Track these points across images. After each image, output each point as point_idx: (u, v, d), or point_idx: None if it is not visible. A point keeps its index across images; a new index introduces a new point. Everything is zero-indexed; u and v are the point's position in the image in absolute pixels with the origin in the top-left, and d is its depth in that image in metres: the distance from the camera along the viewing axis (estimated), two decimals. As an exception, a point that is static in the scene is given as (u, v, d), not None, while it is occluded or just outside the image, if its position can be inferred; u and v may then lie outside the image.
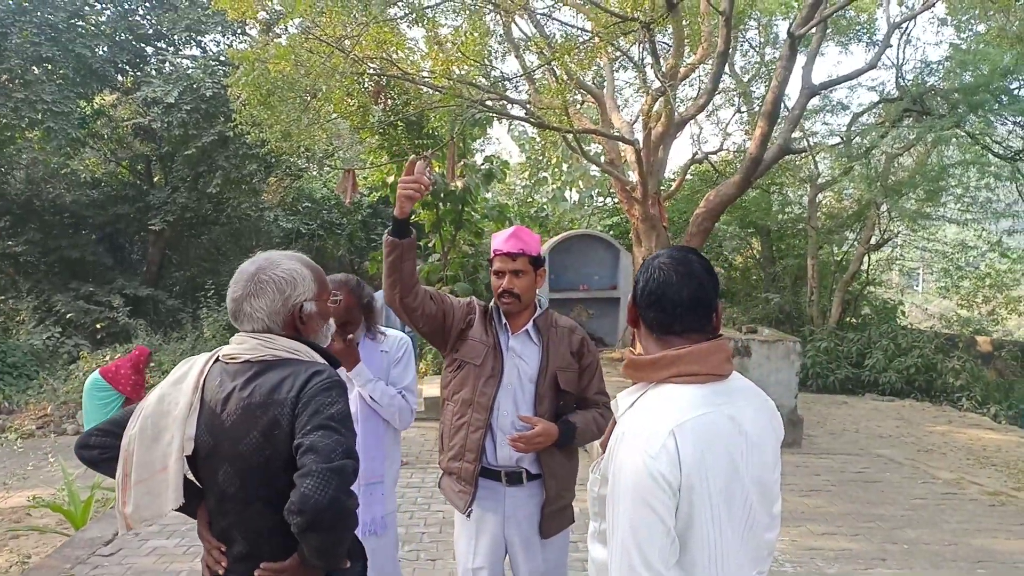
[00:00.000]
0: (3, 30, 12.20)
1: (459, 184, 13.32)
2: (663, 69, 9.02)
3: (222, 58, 13.98)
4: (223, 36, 15.43)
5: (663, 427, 1.49)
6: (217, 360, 1.85)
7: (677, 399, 1.54)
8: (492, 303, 2.71)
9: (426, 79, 8.75)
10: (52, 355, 12.07)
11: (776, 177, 15.84)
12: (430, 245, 16.15)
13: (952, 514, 5.83)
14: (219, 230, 17.11)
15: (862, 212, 15.07)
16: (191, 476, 1.83)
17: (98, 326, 13.18)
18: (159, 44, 15.35)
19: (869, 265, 15.88)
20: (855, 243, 15.61)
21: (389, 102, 9.71)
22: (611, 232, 16.84)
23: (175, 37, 14.75)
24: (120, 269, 15.52)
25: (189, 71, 13.53)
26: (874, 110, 14.45)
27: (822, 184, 15.58)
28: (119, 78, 14.64)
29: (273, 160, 14.18)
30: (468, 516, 2.61)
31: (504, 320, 2.66)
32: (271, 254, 1.89)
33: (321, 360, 1.81)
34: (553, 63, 8.40)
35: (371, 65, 8.68)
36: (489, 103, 9.18)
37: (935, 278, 19.31)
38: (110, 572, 4.42)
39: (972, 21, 13.22)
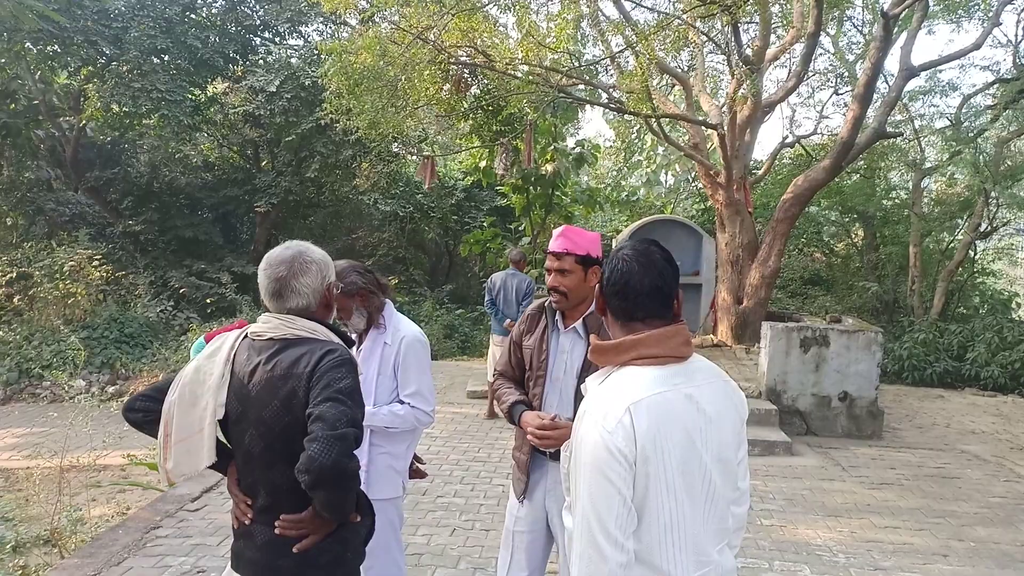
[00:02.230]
0: (123, 24, 13.20)
1: (549, 168, 13.44)
2: (749, 52, 8.84)
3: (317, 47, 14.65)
4: (324, 26, 16.09)
5: (620, 404, 1.60)
6: (246, 337, 2.12)
7: (636, 379, 1.66)
8: (548, 301, 2.88)
9: (508, 68, 8.89)
10: (165, 327, 13.02)
11: (877, 161, 15.21)
12: (520, 229, 16.39)
13: (1031, 516, 5.61)
14: (322, 212, 17.93)
15: (971, 199, 14.28)
16: (222, 438, 2.11)
17: (208, 301, 14.12)
18: (265, 34, 16.16)
19: (976, 255, 15.05)
20: (962, 231, 14.80)
21: (472, 90, 9.92)
22: (704, 217, 16.61)
23: (280, 28, 15.49)
24: (229, 248, 16.53)
25: (292, 60, 14.21)
26: (987, 91, 13.65)
27: (927, 169, 14.87)
28: (229, 67, 15.52)
29: (370, 146, 14.74)
30: (521, 502, 2.81)
31: (557, 316, 2.81)
32: (298, 243, 2.16)
33: (336, 340, 2.06)
34: (637, 47, 8.37)
35: (455, 54, 8.91)
36: (571, 89, 9.25)
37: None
38: (193, 526, 4.88)
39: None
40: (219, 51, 14.74)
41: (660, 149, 20.76)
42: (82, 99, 14.52)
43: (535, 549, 2.81)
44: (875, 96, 10.03)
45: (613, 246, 10.88)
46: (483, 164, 14.40)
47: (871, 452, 7.19)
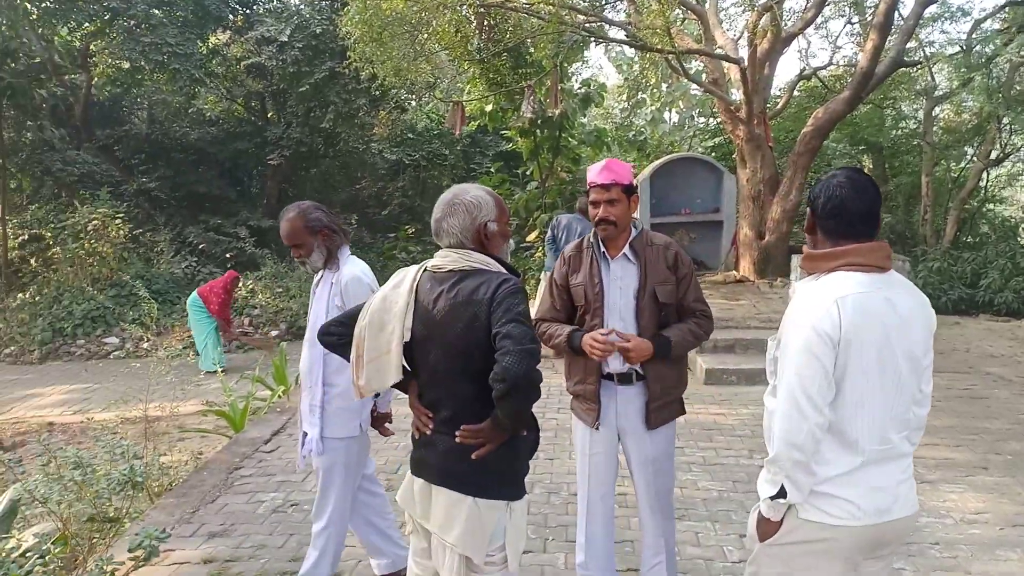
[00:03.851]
0: (127, -24, 12.99)
1: (556, 110, 13.39)
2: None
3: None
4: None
5: (829, 298, 1.93)
6: (426, 270, 2.33)
7: (844, 281, 1.96)
8: (591, 235, 3.04)
9: (527, 6, 8.85)
10: (190, 282, 13.18)
11: (889, 91, 15.14)
12: (528, 173, 16.37)
13: (1060, 429, 5.87)
14: (329, 162, 17.89)
15: (982, 126, 14.28)
16: (404, 362, 2.32)
17: (228, 255, 14.25)
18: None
19: (988, 182, 15.13)
20: (973, 159, 14.85)
21: (492, 33, 9.86)
22: (712, 154, 16.58)
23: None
24: (243, 202, 16.58)
25: (301, 8, 14.01)
26: (999, 15, 13.49)
27: (939, 97, 14.83)
28: (231, 17, 15.30)
29: (379, 94, 14.64)
30: (596, 429, 3.00)
31: (603, 248, 2.98)
32: (463, 185, 2.36)
33: (505, 271, 2.26)
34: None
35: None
36: (589, 27, 9.21)
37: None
38: (272, 465, 5.13)
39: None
40: (224, 0, 14.53)
41: (664, 87, 20.60)
42: (89, 57, 14.37)
43: (610, 467, 3.07)
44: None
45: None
46: (489, 108, 14.31)
47: (900, 376, 7.42)
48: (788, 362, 1.97)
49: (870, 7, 14.39)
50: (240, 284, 11.57)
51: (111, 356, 11.21)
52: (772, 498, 2.02)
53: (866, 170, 17.62)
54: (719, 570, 3.68)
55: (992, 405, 6.53)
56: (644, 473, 3.01)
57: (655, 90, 21.12)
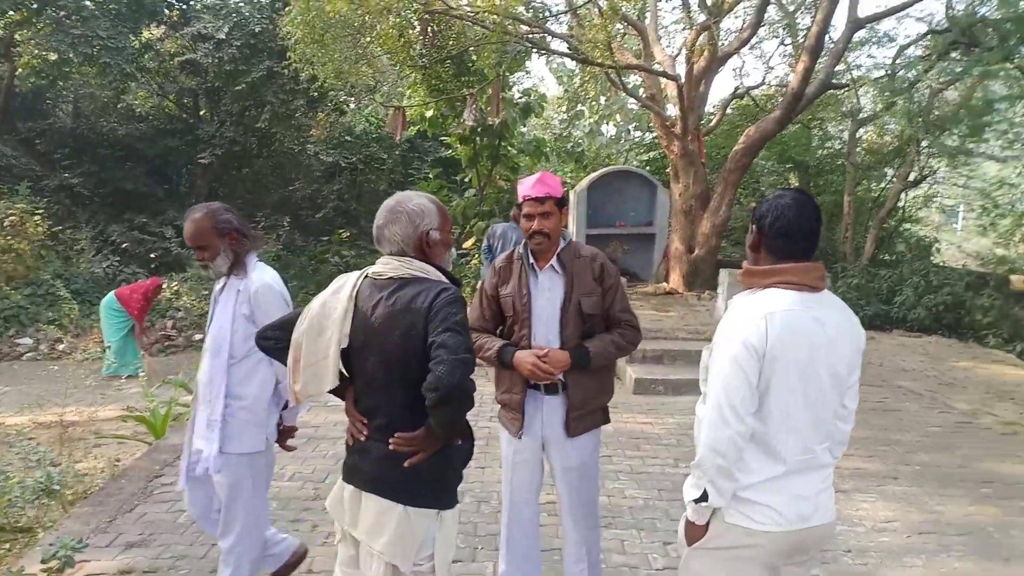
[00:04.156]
0: (56, -35, 12.53)
1: (497, 119, 13.45)
2: (708, 2, 9.05)
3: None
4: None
5: (759, 312, 2.04)
6: (366, 277, 2.35)
7: (776, 297, 2.07)
8: (520, 247, 3.11)
9: (471, 14, 8.88)
10: (111, 283, 12.70)
11: (817, 112, 15.71)
12: (467, 180, 16.39)
13: (965, 441, 6.18)
14: (262, 163, 17.54)
15: (902, 148, 14.95)
16: (341, 367, 2.30)
17: (152, 256, 13.82)
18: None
19: (906, 203, 15.84)
20: (893, 180, 15.53)
21: (435, 39, 9.86)
22: (647, 168, 16.90)
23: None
24: (170, 201, 16.10)
25: (240, 5, 13.72)
26: (921, 42, 14.15)
27: (863, 119, 15.44)
28: (166, 12, 14.89)
29: (317, 95, 14.43)
30: (519, 438, 3.05)
31: (532, 260, 3.05)
32: (407, 192, 2.40)
33: (445, 280, 2.29)
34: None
35: (419, 2, 8.83)
36: (533, 38, 9.30)
37: (975, 216, 19.15)
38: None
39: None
40: (159, -8, 14.13)
41: (602, 99, 20.91)
42: (13, 46, 13.77)
43: (534, 476, 3.13)
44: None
45: (570, 196, 11.10)
46: (429, 114, 14.29)
47: (820, 388, 7.70)
48: (716, 372, 2.08)
49: (802, 30, 14.92)
50: (163, 290, 11.21)
51: (24, 358, 10.73)
52: (696, 501, 2.11)
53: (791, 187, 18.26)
54: (643, 577, 3.77)
55: (904, 418, 6.83)
56: (567, 481, 3.07)
57: (594, 103, 21.45)
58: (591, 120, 22.02)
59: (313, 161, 17.70)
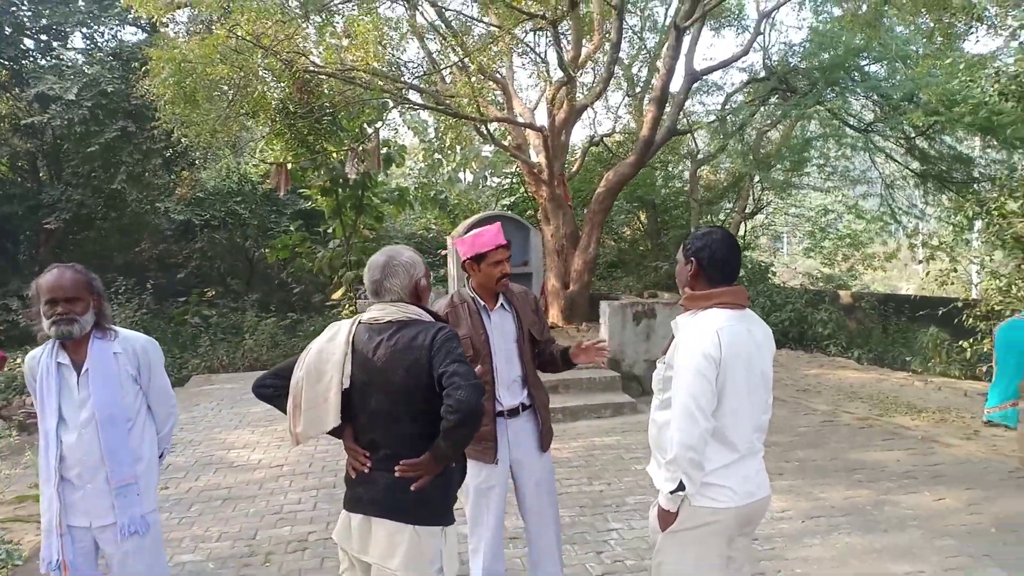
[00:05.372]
0: None
1: (379, 171, 13.60)
2: (566, 60, 9.79)
3: (117, 51, 13.62)
4: (111, 29, 14.95)
5: (712, 328, 2.45)
6: (359, 323, 2.54)
7: (718, 316, 2.49)
8: (469, 294, 3.40)
9: (348, 74, 9.12)
10: (-49, 361, 11.67)
11: (660, 155, 17.02)
12: (330, 231, 16.32)
13: (831, 437, 6.99)
14: (108, 225, 16.62)
15: (736, 183, 16.51)
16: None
17: (-2, 329, 12.81)
18: (43, 37, 14.76)
19: (746, 232, 17.38)
20: (733, 212, 17.04)
21: (309, 97, 9.98)
22: (510, 211, 17.58)
23: (65, 30, 14.23)
24: (12, 270, 14.98)
25: (84, 67, 13.15)
26: (744, 89, 15.77)
27: (701, 159, 16.92)
28: (-5, 72, 14.05)
29: (172, 154, 14.00)
30: (495, 463, 3.30)
31: (483, 302, 3.37)
32: (395, 248, 2.63)
33: (438, 322, 2.55)
34: (466, 59, 8.99)
35: (286, 60, 8.96)
36: (402, 93, 9.66)
37: (799, 240, 21.27)
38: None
39: (828, 4, 14.49)
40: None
41: (458, 148, 21.53)
42: None
43: (503, 499, 3.39)
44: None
45: (448, 242, 11.44)
46: (289, 167, 14.19)
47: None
48: (681, 381, 2.44)
49: (640, 82, 16.22)
50: (8, 366, 10.41)
51: None
52: (672, 492, 2.46)
53: (642, 223, 19.57)
54: (587, 584, 4.09)
55: (775, 422, 7.45)
56: (539, 493, 3.37)
57: (449, 151, 22.03)
58: (449, 168, 22.58)
59: (163, 220, 17.00)
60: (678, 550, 2.55)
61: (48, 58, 14.24)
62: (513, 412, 3.33)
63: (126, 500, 2.87)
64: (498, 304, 3.38)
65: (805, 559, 4.34)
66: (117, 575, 2.92)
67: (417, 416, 2.40)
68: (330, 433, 2.54)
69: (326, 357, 2.50)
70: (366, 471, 2.50)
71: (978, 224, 11.48)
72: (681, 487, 2.45)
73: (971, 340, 8.89)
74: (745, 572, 2.71)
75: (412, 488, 2.41)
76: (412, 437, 2.43)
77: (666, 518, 2.55)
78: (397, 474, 2.42)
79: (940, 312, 10.66)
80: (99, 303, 2.92)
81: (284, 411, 2.55)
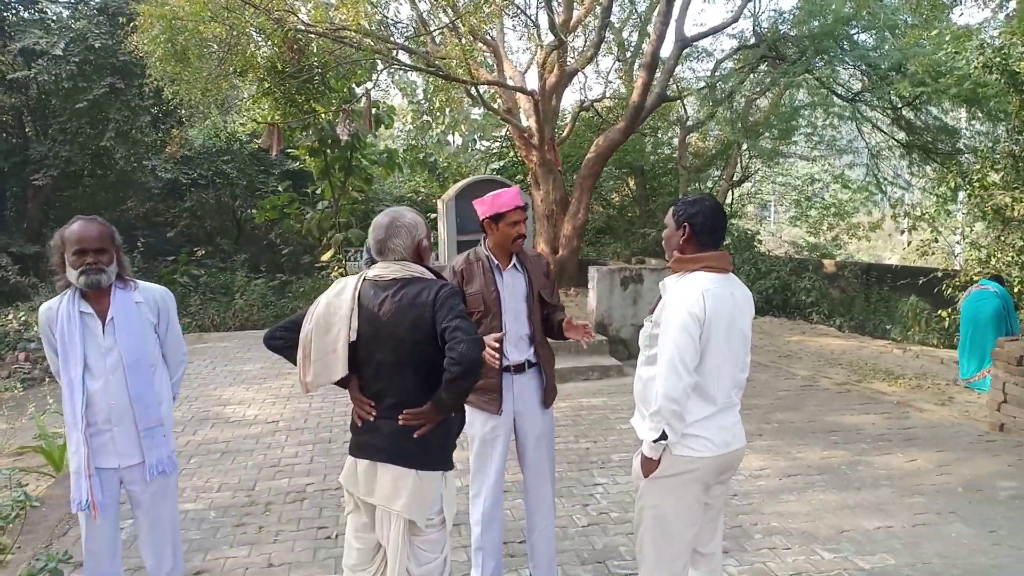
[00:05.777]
0: None
1: (370, 131, 13.57)
2: (557, 23, 9.79)
3: (103, 6, 13.41)
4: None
5: (697, 290, 2.59)
6: (365, 280, 2.68)
7: (704, 278, 2.64)
8: (484, 252, 3.53)
9: (338, 33, 9.09)
10: (-57, 317, 11.70)
11: (649, 121, 17.05)
12: (319, 192, 16.32)
13: (810, 401, 7.22)
14: (96, 183, 16.54)
15: (725, 151, 16.58)
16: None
17: (-13, 286, 12.81)
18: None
19: (733, 200, 17.51)
20: (721, 180, 17.15)
21: (300, 57, 9.95)
22: (500, 175, 17.61)
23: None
24: (0, 226, 14.92)
25: (70, 22, 12.95)
26: (734, 56, 15.76)
27: (690, 126, 16.97)
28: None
29: (160, 112, 13.90)
30: (499, 413, 3.47)
31: (496, 261, 3.51)
32: (398, 209, 2.75)
33: (440, 279, 2.69)
34: (456, 21, 8.98)
35: (276, 18, 8.92)
36: (399, 56, 9.64)
37: (785, 209, 21.47)
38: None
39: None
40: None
41: (448, 111, 21.42)
42: None
43: (506, 448, 3.56)
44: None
45: (440, 206, 11.50)
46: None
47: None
48: (668, 338, 2.60)
49: (631, 46, 16.16)
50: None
51: None
52: (655, 441, 2.64)
53: (631, 190, 19.68)
54: (573, 533, 4.29)
55: (756, 386, 7.81)
56: (539, 447, 3.55)
57: (439, 113, 21.93)
58: (438, 131, 22.50)
59: (150, 178, 16.91)
60: (659, 495, 2.74)
61: (32, 11, 14.01)
62: (519, 368, 3.48)
63: (153, 441, 3.04)
64: (511, 264, 3.51)
65: (781, 513, 4.55)
66: (148, 512, 3.12)
67: (420, 368, 2.54)
68: (337, 384, 2.68)
69: (333, 311, 2.63)
70: (372, 419, 2.65)
71: (961, 195, 11.66)
72: (663, 437, 2.62)
73: (950, 310, 9.10)
74: (720, 519, 2.91)
75: (415, 435, 2.57)
76: (415, 388, 2.57)
77: (649, 465, 2.72)
78: (401, 422, 2.57)
79: (920, 282, 10.84)
80: (119, 255, 3.05)
81: (294, 362, 2.68)
